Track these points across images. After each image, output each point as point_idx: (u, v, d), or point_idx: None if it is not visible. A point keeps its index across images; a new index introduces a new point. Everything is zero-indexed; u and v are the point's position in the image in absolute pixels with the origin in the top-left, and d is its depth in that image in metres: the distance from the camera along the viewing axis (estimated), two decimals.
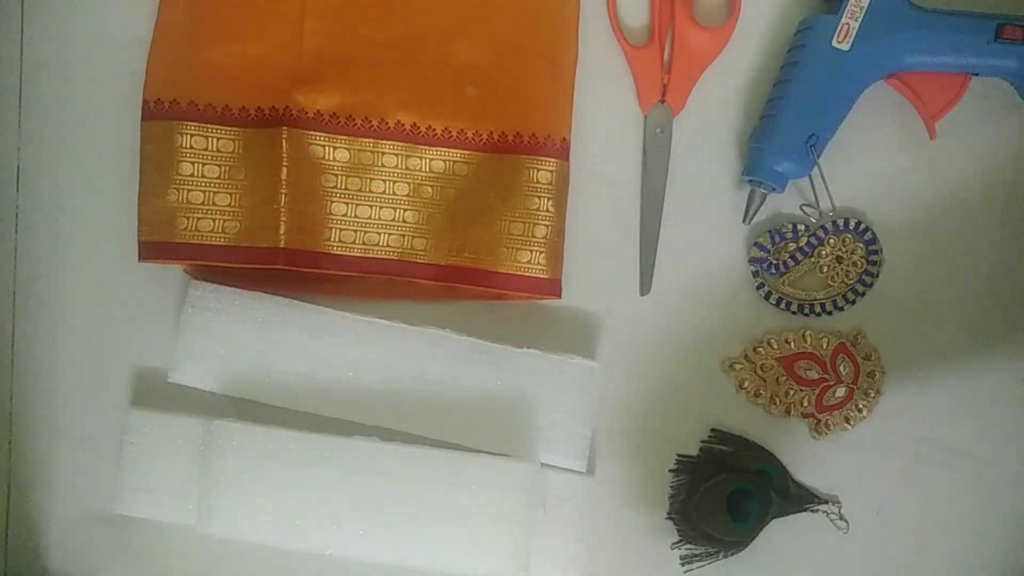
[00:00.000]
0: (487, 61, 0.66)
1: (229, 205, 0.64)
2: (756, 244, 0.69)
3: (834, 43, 0.65)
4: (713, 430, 0.68)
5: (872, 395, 0.68)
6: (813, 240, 0.68)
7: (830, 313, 0.68)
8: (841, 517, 0.68)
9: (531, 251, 0.65)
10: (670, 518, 0.67)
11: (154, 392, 0.67)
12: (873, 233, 0.68)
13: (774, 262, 0.68)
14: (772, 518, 0.66)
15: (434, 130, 0.66)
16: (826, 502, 0.68)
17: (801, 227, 0.68)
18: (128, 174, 0.65)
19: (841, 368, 0.68)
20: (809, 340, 0.68)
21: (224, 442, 0.64)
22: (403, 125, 0.66)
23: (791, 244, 0.68)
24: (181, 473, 0.65)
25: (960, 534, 0.68)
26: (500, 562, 0.64)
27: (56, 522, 0.67)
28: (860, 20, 0.64)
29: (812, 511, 0.67)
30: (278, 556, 0.66)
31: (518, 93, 0.66)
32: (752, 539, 0.65)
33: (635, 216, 0.69)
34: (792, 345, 0.68)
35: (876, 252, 0.68)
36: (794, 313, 0.68)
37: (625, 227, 0.69)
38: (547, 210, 0.66)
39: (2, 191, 0.68)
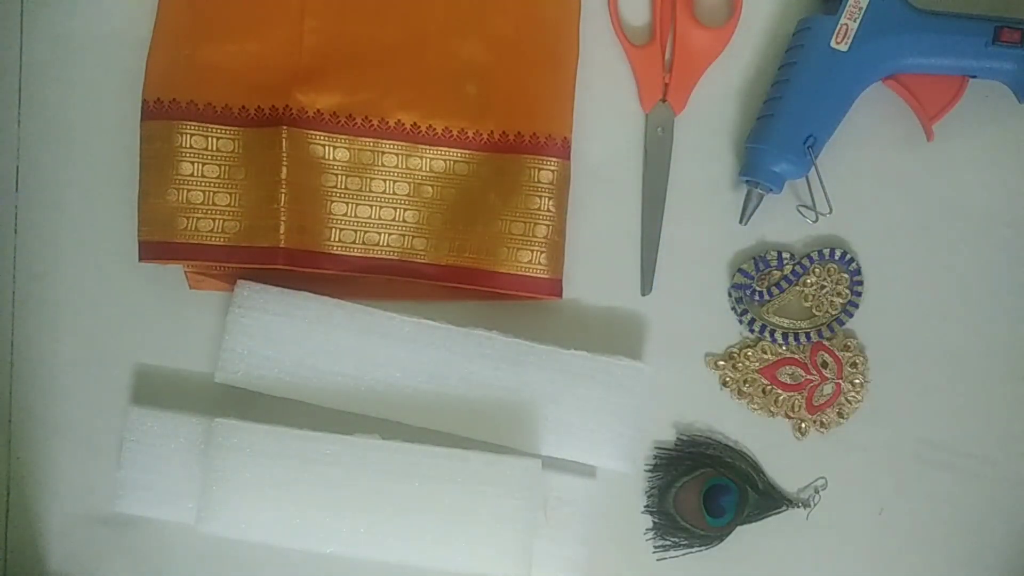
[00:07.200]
0: (488, 60, 0.66)
1: (229, 205, 0.64)
2: (740, 271, 0.68)
3: (832, 44, 0.65)
4: (680, 434, 0.68)
5: (859, 384, 0.68)
6: (798, 268, 0.68)
7: (813, 342, 0.68)
8: (808, 516, 0.68)
9: (532, 251, 0.65)
10: (648, 511, 0.68)
11: (154, 391, 0.67)
12: (858, 264, 0.68)
13: (758, 289, 0.68)
14: (750, 515, 0.66)
15: (434, 129, 0.66)
16: (798, 505, 0.68)
17: (786, 255, 0.68)
18: (128, 174, 0.65)
19: (822, 364, 0.68)
20: (786, 346, 0.68)
21: (224, 440, 0.64)
22: (403, 124, 0.66)
23: (775, 272, 0.68)
24: (181, 471, 0.65)
25: (961, 534, 0.69)
26: (502, 560, 0.64)
27: (55, 521, 0.67)
28: (859, 21, 0.64)
29: (788, 509, 0.67)
30: (278, 555, 0.66)
31: (519, 92, 0.66)
32: (727, 534, 0.66)
33: (636, 215, 0.69)
34: (769, 355, 0.68)
35: (860, 283, 0.68)
36: (779, 344, 0.68)
37: (626, 227, 0.69)
38: (548, 210, 0.65)
39: (2, 191, 0.68)
